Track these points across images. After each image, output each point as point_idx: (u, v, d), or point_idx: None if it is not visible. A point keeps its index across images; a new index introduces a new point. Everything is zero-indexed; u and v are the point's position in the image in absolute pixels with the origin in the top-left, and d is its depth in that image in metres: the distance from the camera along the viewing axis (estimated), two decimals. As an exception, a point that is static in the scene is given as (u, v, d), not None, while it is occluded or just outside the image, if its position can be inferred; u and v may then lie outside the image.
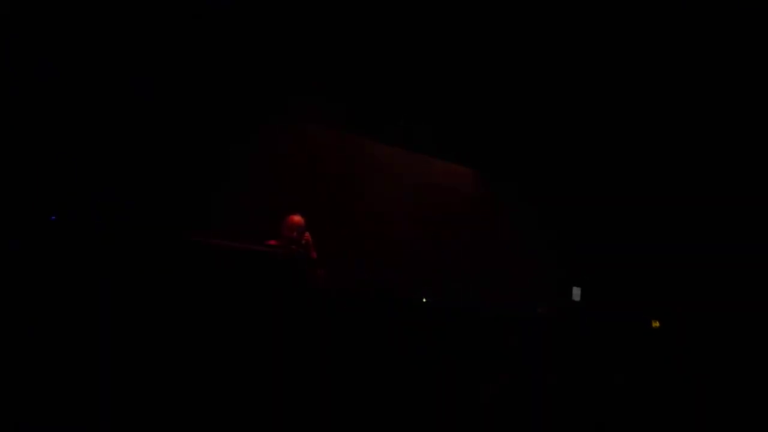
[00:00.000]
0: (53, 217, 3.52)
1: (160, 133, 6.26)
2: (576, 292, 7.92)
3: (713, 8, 5.85)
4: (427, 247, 8.01)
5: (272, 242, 5.45)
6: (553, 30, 6.36)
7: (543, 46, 6.58)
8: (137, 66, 5.97)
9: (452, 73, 7.08)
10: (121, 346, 3.35)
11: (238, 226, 6.15)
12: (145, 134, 6.13)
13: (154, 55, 6.08)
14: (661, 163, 7.93)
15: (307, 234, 5.56)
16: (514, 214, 8.89)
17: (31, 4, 5.36)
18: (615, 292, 8.04)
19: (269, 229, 5.60)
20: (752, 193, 7.12)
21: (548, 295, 8.17)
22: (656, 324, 6.39)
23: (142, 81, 5.98)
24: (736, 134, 7.19)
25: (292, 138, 7.35)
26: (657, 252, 7.86)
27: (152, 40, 6.04)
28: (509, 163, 8.64)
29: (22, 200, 5.02)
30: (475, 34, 6.53)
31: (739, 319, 6.53)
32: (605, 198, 8.45)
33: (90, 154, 5.81)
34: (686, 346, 6.06)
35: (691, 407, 4.96)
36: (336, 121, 7.60)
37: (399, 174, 8.10)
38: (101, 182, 5.79)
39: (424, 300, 5.59)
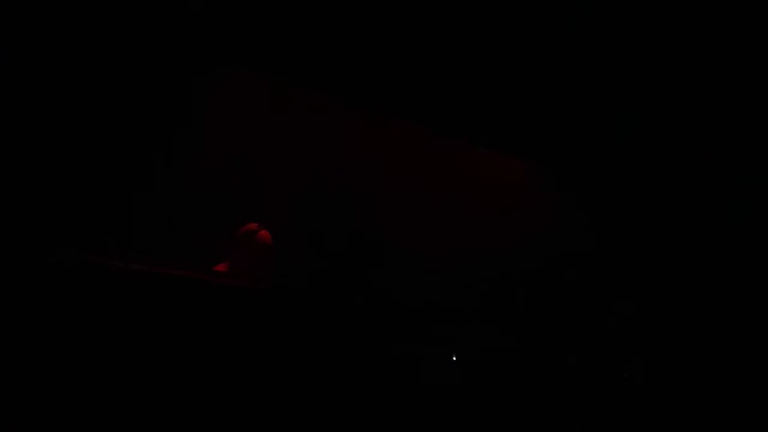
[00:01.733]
0: None
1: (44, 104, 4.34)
2: None
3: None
4: (452, 259, 6.31)
5: (220, 267, 3.91)
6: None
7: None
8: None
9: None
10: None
11: (170, 243, 4.57)
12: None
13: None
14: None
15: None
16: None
17: None
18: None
19: (216, 247, 4.09)
20: None
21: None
22: None
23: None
24: None
25: (256, 104, 5.32)
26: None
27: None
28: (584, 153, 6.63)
29: None
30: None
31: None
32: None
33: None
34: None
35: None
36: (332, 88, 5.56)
37: (420, 165, 6.31)
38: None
39: (454, 359, 4.16)
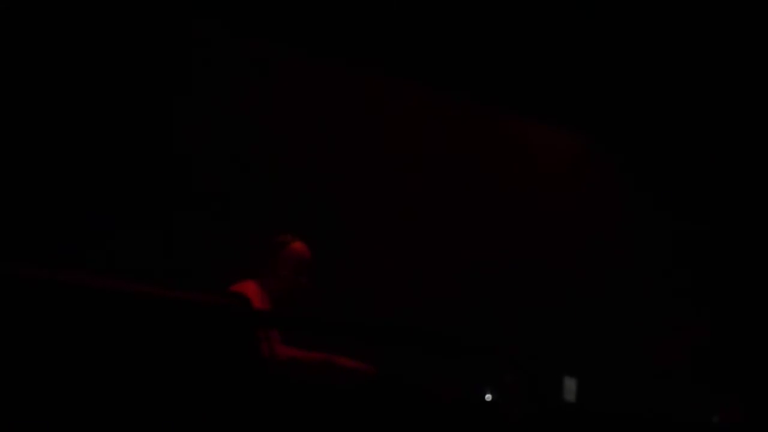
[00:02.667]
0: None
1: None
2: (569, 387, 4.53)
3: None
4: (491, 260, 5.18)
5: (251, 284, 3.32)
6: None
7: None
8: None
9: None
10: None
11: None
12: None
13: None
14: None
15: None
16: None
17: None
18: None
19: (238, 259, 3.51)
20: None
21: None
22: None
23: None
24: None
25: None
26: None
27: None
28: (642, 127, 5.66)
29: None
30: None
31: None
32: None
33: None
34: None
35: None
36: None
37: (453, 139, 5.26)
38: None
39: (488, 397, 3.45)
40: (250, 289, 3.21)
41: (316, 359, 3.08)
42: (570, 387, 4.33)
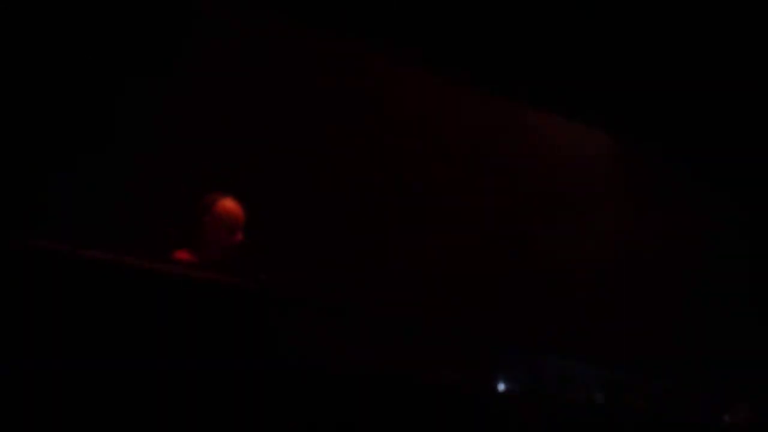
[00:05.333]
0: None
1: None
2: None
3: None
4: (515, 264, 4.96)
5: (183, 254, 3.10)
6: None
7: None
8: None
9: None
10: None
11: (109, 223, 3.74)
12: None
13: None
14: None
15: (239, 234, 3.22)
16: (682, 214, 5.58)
17: None
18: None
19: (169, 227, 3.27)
20: None
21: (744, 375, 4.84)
22: None
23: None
24: None
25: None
26: None
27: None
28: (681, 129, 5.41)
29: None
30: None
31: None
32: None
33: None
34: None
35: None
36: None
37: (479, 137, 5.02)
38: None
39: (502, 388, 3.30)
40: (181, 260, 3.03)
41: None
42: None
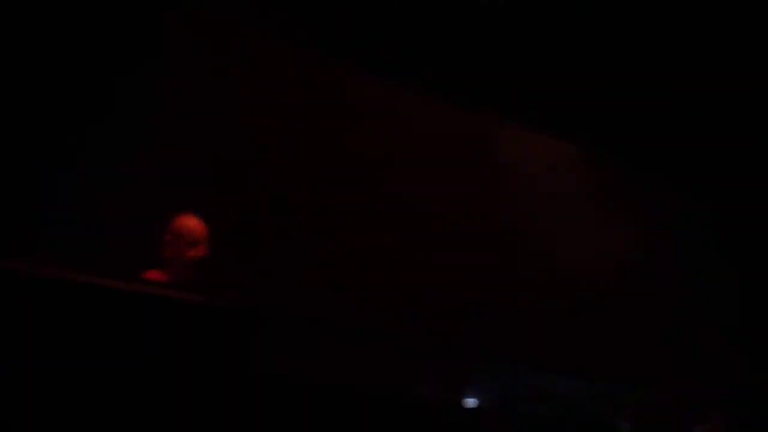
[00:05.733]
0: None
1: None
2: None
3: None
4: (487, 275, 4.88)
5: (154, 274, 3.14)
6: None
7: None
8: None
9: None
10: None
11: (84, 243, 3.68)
12: None
13: None
14: None
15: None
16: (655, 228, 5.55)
17: None
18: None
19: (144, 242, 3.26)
20: None
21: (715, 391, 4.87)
22: None
23: None
24: None
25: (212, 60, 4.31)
26: None
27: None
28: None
29: None
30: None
31: None
32: None
33: None
34: None
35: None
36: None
37: (447, 149, 4.97)
38: None
39: (474, 402, 3.23)
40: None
41: None
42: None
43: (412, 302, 4.49)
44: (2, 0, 3.71)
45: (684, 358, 5.09)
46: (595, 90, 5.23)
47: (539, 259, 5.08)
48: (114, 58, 3.98)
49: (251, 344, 2.44)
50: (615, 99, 5.30)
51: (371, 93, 4.81)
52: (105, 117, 3.95)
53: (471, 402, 3.36)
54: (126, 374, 2.11)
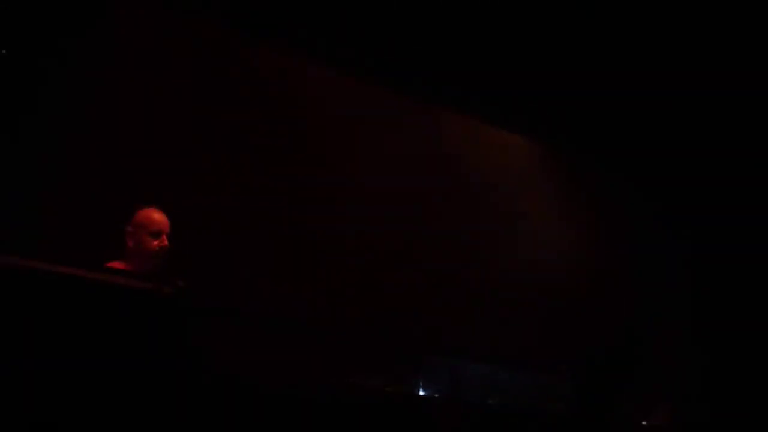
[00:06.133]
0: None
1: None
2: None
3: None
4: (444, 267, 4.89)
5: (116, 265, 3.15)
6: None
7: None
8: None
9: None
10: None
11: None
12: None
13: None
14: None
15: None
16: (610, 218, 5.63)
17: None
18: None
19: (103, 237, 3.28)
20: None
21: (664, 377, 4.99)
22: None
23: None
24: None
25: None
26: None
27: None
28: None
29: None
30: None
31: None
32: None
33: None
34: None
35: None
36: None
37: (400, 140, 4.91)
38: None
39: (424, 393, 3.31)
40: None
41: None
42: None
43: (362, 295, 4.49)
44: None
45: (632, 353, 5.18)
46: (551, 84, 5.24)
47: (490, 253, 5.12)
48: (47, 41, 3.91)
49: (188, 333, 2.50)
50: (570, 93, 5.31)
51: (318, 83, 4.78)
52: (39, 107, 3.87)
53: (422, 393, 3.48)
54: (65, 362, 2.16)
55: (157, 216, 3.27)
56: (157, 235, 3.24)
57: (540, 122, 5.47)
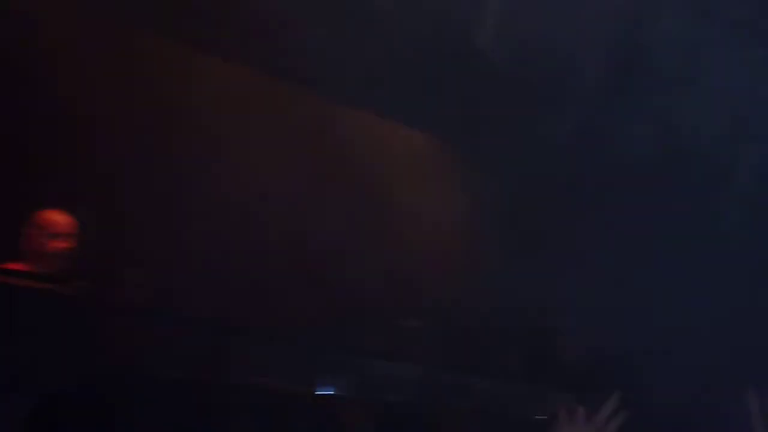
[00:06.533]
0: None
1: None
2: None
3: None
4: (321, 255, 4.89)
5: (15, 265, 3.16)
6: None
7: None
8: None
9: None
10: None
11: None
12: None
13: None
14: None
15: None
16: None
17: None
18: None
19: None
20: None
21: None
22: None
23: None
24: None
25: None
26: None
27: None
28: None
29: None
30: None
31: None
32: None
33: None
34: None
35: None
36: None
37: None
38: None
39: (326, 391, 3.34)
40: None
41: None
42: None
43: (254, 291, 4.52)
44: None
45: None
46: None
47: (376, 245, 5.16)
48: None
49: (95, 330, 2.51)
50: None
51: (201, 72, 4.74)
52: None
53: (326, 390, 3.52)
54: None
55: (56, 217, 3.27)
56: (57, 236, 3.23)
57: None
